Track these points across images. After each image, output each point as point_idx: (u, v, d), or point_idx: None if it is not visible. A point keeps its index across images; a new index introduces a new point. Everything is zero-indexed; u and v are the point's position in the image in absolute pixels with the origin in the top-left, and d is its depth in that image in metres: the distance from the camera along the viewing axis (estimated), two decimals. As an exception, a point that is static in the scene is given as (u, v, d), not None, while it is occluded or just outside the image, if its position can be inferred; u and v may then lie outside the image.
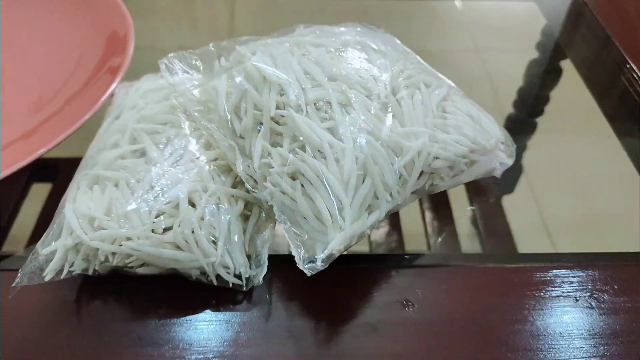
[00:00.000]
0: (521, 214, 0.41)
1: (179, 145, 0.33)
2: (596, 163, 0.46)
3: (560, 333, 0.32)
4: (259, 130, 0.32)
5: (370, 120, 0.32)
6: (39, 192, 0.41)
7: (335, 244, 0.28)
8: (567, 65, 0.58)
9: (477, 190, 0.42)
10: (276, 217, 0.31)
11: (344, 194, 0.29)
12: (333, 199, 0.29)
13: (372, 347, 0.30)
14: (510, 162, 0.40)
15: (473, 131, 0.36)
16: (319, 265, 0.28)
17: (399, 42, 0.43)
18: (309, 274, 0.28)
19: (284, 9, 0.65)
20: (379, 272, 0.35)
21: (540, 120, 0.51)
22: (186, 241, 0.30)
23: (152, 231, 0.30)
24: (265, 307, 0.32)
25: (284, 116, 0.31)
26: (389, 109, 0.33)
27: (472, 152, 0.36)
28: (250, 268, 0.31)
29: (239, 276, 0.31)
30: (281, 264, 0.33)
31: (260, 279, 0.31)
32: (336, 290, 0.33)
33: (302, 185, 0.30)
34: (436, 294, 0.34)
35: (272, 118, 0.32)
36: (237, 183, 0.33)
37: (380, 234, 0.43)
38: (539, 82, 0.56)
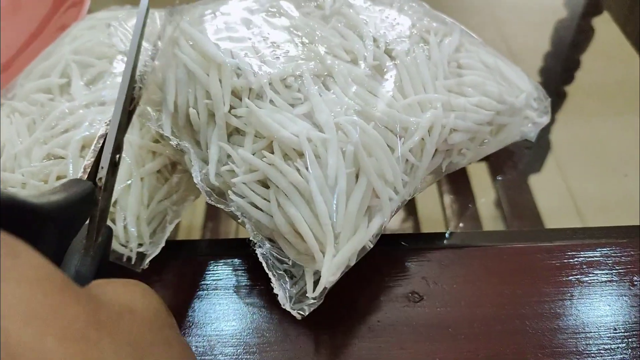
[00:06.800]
0: (549, 194, 0.34)
1: (108, 84, 0.28)
2: (632, 137, 0.37)
3: (614, 328, 0.25)
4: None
5: (359, 95, 0.24)
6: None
7: (327, 274, 0.21)
8: (600, 23, 0.47)
9: (502, 159, 0.34)
10: (251, 237, 0.23)
11: (331, 202, 0.22)
12: (319, 212, 0.22)
13: (367, 355, 0.24)
14: (545, 120, 0.31)
15: (498, 88, 0.28)
16: (310, 303, 0.21)
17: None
18: (299, 317, 0.21)
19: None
20: (377, 257, 0.26)
21: (570, 89, 0.42)
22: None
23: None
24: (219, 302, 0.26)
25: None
26: (385, 75, 0.25)
27: (498, 115, 0.28)
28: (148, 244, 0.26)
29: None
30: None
31: (147, 262, 0.25)
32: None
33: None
34: (450, 284, 0.26)
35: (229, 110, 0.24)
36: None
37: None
38: (568, 45, 0.46)
